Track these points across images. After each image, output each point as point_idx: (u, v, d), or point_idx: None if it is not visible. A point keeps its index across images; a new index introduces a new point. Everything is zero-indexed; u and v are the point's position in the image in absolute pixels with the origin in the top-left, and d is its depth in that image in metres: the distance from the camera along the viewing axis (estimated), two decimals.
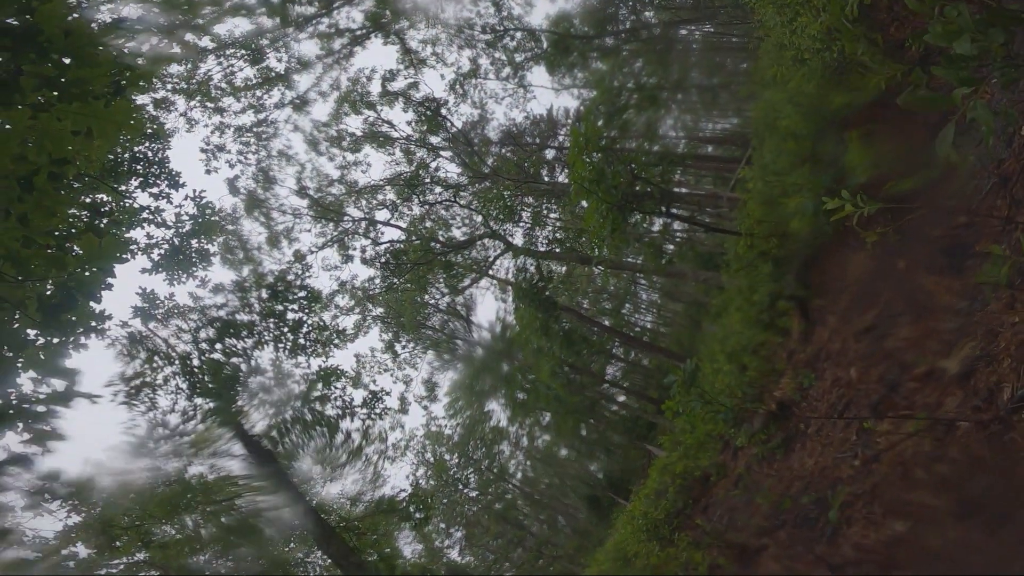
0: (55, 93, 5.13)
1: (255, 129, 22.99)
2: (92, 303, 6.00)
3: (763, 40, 10.69)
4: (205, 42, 20.11)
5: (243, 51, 21.98)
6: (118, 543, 12.46)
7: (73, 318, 5.74)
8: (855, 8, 4.02)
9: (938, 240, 6.32)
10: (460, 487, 42.91)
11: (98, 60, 5.22)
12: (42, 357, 5.59)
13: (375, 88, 25.90)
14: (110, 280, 6.06)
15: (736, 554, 10.17)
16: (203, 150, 20.42)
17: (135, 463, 11.81)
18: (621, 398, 29.42)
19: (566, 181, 25.28)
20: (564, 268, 25.39)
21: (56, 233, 6.04)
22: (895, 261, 7.05)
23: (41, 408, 5.45)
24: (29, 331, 5.70)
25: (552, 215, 26.31)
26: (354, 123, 25.98)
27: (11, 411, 5.38)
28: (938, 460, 5.95)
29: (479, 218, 24.34)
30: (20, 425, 5.40)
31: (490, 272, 25.43)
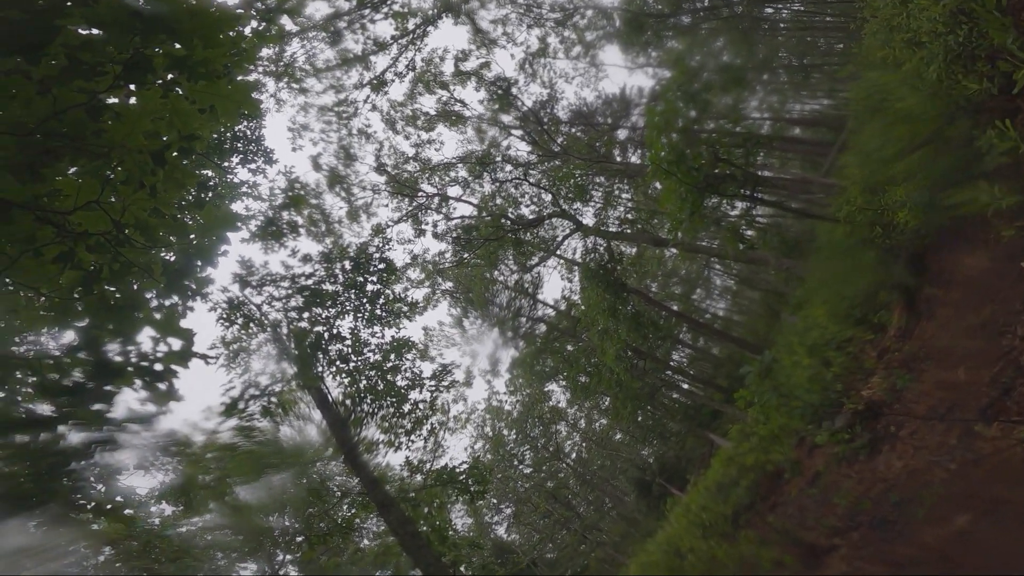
0: (183, 73, 5.37)
1: (336, 108, 23.82)
2: (210, 268, 6.36)
3: (868, 20, 9.92)
4: (291, 26, 20.91)
5: (324, 33, 22.71)
6: (204, 502, 13.38)
7: (191, 283, 6.11)
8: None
9: None
10: (515, 463, 43.67)
11: (220, 41, 5.45)
12: (159, 318, 5.91)
13: (448, 68, 26.17)
14: (225, 248, 6.45)
15: (803, 553, 9.90)
16: (290, 129, 21.46)
17: (227, 424, 12.68)
18: (684, 385, 28.87)
19: (639, 161, 24.74)
20: (634, 250, 24.96)
21: (175, 204, 6.37)
22: (1016, 259, 6.49)
23: (159, 367, 5.76)
24: (147, 293, 6.07)
25: (624, 195, 25.87)
26: (428, 102, 26.45)
27: (129, 368, 5.69)
28: None
29: (549, 197, 24.29)
30: (138, 383, 5.68)
31: (558, 252, 25.43)
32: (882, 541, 7.50)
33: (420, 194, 25.23)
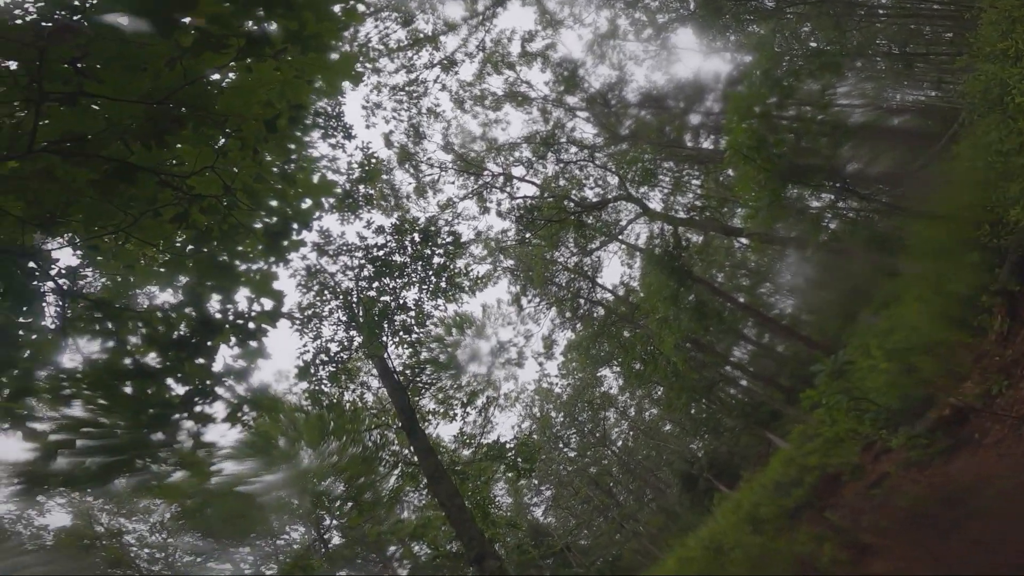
0: (296, 46, 5.56)
1: (407, 88, 24.20)
2: (304, 232, 6.63)
3: (985, 11, 9.23)
4: (364, 6, 21.19)
5: (396, 13, 23.02)
6: (275, 462, 14.09)
7: (287, 244, 6.40)
8: None
9: None
10: (560, 446, 43.94)
11: (331, 15, 5.61)
12: (256, 279, 6.22)
13: (515, 49, 26.12)
14: (320, 213, 6.72)
15: (853, 551, 9.77)
16: (363, 107, 22.04)
17: (299, 386, 13.35)
18: (743, 382, 28.08)
19: (712, 147, 23.98)
20: (702, 238, 24.29)
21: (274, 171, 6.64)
22: None
23: (252, 325, 6.07)
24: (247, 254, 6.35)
25: (694, 182, 25.14)
26: (495, 83, 26.52)
27: (227, 325, 6.03)
28: None
29: (613, 180, 23.94)
30: (233, 339, 5.98)
31: (621, 236, 25.12)
32: (935, 540, 7.35)
33: (485, 172, 25.44)
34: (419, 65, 24.49)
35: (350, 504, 19.32)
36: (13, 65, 4.39)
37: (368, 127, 22.80)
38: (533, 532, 42.94)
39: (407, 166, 24.36)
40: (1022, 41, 7.77)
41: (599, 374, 33.79)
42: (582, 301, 26.32)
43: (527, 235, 23.42)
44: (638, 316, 23.63)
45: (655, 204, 24.16)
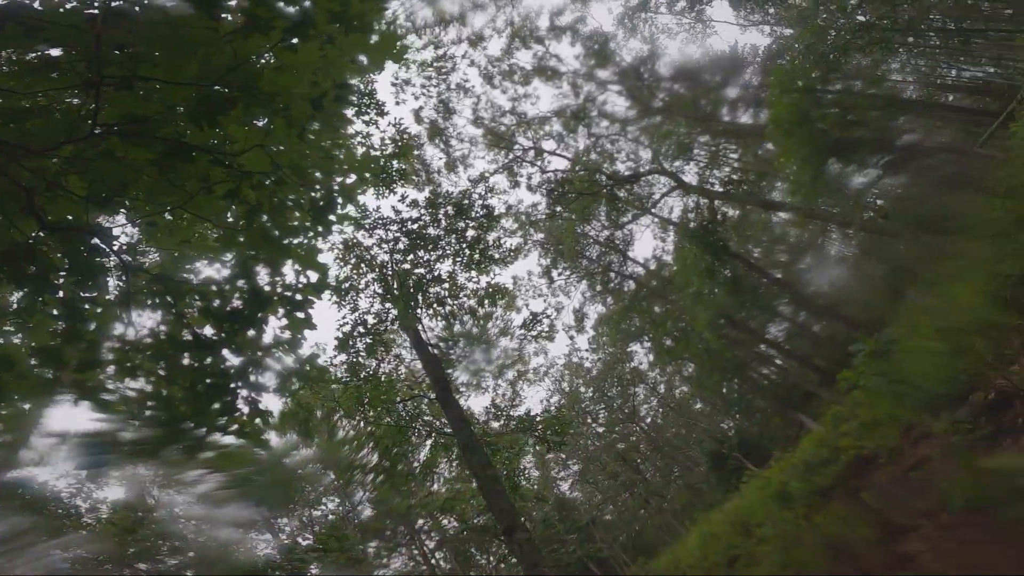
0: (341, 26, 5.62)
1: (435, 64, 24.09)
2: (350, 206, 6.77)
3: None
4: None
5: None
6: (315, 434, 14.49)
7: (333, 218, 6.55)
8: None
9: None
10: (588, 420, 44.19)
11: None
12: (302, 252, 6.41)
13: (543, 23, 25.83)
14: (363, 188, 6.87)
15: (885, 530, 9.75)
16: (392, 83, 22.03)
17: (337, 358, 13.70)
18: (777, 361, 27.65)
19: (749, 121, 23.27)
20: (738, 212, 23.76)
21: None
22: None
23: (299, 297, 6.29)
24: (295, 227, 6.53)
25: (731, 155, 24.53)
26: (524, 57, 26.31)
27: (275, 297, 6.25)
28: None
29: (646, 154, 23.54)
30: (281, 311, 6.20)
31: (654, 209, 24.80)
32: (975, 525, 7.33)
33: (516, 147, 25.28)
34: (446, 41, 24.34)
35: (381, 477, 19.67)
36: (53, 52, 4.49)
37: (398, 103, 23.01)
38: (559, 506, 43.52)
39: (437, 141, 24.39)
40: None
41: (629, 349, 33.73)
42: (613, 274, 26.18)
43: (558, 208, 23.28)
44: (670, 291, 23.40)
45: (690, 177, 23.72)
